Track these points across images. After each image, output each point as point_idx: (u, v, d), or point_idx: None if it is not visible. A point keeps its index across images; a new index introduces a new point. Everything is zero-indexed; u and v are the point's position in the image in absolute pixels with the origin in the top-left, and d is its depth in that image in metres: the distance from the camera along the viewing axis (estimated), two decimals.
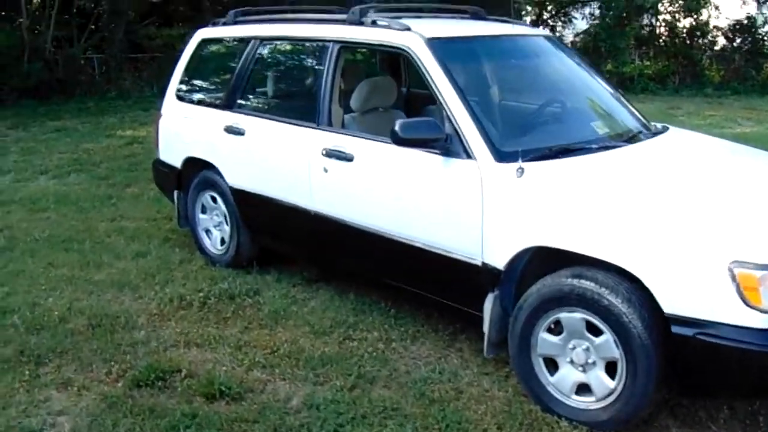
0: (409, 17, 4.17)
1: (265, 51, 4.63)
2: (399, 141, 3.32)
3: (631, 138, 3.74)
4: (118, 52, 16.02)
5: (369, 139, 3.76)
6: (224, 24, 5.04)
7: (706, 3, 17.00)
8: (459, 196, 3.28)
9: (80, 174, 7.99)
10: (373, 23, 3.87)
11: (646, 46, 18.23)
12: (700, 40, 17.81)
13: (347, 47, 4.08)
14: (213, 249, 4.94)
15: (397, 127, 3.29)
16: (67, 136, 10.52)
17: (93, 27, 16.45)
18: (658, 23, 17.79)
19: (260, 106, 4.66)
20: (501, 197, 3.14)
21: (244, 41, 4.74)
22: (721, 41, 18.02)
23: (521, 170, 3.10)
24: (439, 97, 3.42)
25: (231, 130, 4.51)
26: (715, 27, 17.71)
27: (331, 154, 3.83)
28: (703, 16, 17.51)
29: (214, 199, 4.83)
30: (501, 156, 3.19)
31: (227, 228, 4.76)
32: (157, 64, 15.81)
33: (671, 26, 17.83)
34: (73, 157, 8.90)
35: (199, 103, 5.01)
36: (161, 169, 5.33)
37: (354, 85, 4.30)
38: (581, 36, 18.74)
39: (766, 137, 9.90)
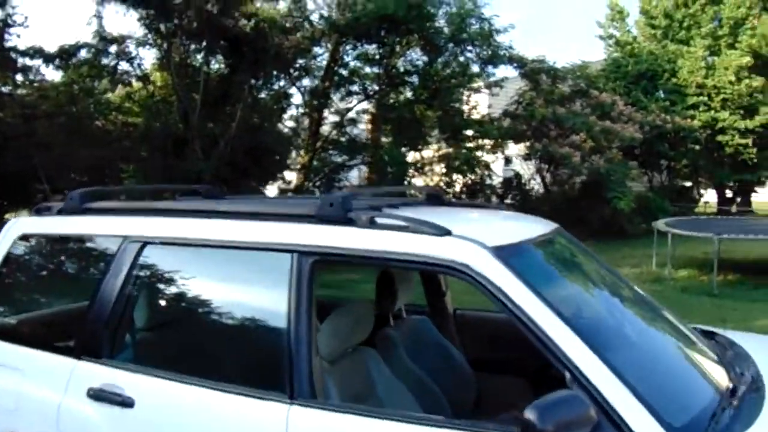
0: (388, 207, 2.85)
1: (155, 261, 2.85)
2: None
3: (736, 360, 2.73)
4: None
5: (404, 420, 2.23)
6: (61, 212, 3.20)
7: (478, 163, 17.62)
8: None
9: None
10: (372, 223, 2.46)
11: None
12: (476, 199, 18.35)
13: (327, 261, 2.51)
14: None
15: (534, 417, 1.86)
16: None
17: None
18: (433, 183, 18.02)
19: (161, 357, 2.81)
20: None
21: (106, 243, 2.97)
22: (495, 199, 18.77)
23: None
24: (551, 346, 2.08)
25: (103, 397, 2.64)
26: (488, 185, 18.44)
27: None
28: (476, 176, 18.15)
29: None
30: None
31: None
32: None
33: (448, 185, 18.19)
34: None
35: (24, 341, 3.02)
36: None
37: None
38: None
39: None
